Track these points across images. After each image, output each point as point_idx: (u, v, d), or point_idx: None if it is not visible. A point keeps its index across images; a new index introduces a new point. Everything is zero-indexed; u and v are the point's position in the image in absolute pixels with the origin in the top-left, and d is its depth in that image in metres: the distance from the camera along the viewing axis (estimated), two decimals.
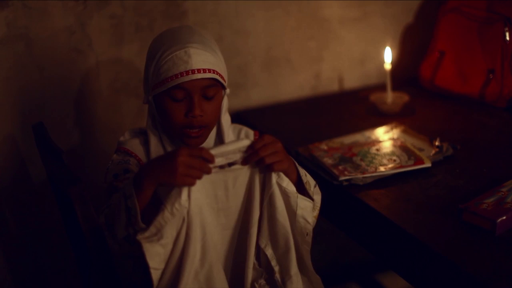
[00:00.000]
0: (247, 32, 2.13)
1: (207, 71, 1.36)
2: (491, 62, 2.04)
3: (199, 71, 1.35)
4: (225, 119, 1.46)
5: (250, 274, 1.27)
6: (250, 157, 1.22)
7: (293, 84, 2.25)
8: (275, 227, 1.27)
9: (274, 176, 1.25)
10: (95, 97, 1.96)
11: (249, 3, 2.11)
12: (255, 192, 1.26)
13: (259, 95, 2.20)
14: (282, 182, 1.26)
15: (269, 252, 1.29)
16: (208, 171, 1.17)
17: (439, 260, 1.29)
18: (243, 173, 1.24)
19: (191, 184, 1.15)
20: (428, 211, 1.44)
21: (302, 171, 1.36)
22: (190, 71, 1.35)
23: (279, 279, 1.30)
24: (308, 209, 1.30)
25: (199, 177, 1.16)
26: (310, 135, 1.88)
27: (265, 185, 1.26)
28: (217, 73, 1.38)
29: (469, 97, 2.08)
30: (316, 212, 1.38)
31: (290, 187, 1.27)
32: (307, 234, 1.32)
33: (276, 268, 1.29)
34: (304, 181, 1.34)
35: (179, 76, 1.34)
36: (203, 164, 1.16)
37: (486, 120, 1.95)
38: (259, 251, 1.30)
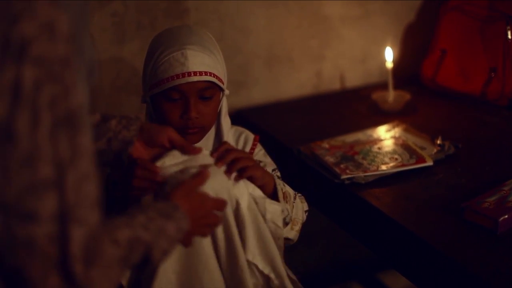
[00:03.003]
0: (248, 30, 2.13)
1: (203, 74, 1.34)
2: (493, 60, 2.03)
3: (195, 73, 1.34)
4: (225, 121, 1.45)
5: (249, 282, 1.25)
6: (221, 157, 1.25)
7: (294, 82, 2.25)
8: (260, 236, 1.25)
9: (242, 184, 1.24)
10: (96, 95, 1.96)
11: (250, 2, 2.10)
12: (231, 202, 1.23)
13: (261, 93, 2.20)
14: (248, 188, 1.25)
15: (259, 263, 1.26)
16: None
17: (440, 259, 1.29)
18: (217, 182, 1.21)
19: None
20: (430, 209, 1.44)
21: (280, 184, 1.35)
22: (186, 73, 1.33)
23: (278, 284, 1.28)
24: (277, 213, 1.28)
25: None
26: (311, 133, 1.87)
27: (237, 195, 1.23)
28: (215, 76, 1.36)
29: (471, 95, 2.08)
30: (298, 226, 1.36)
31: (257, 192, 1.26)
32: (278, 239, 1.29)
33: (272, 275, 1.27)
34: (283, 190, 1.34)
35: (175, 78, 1.33)
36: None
37: (488, 118, 1.95)
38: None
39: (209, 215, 1.12)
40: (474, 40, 2.09)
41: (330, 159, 1.65)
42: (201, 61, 1.35)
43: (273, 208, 1.27)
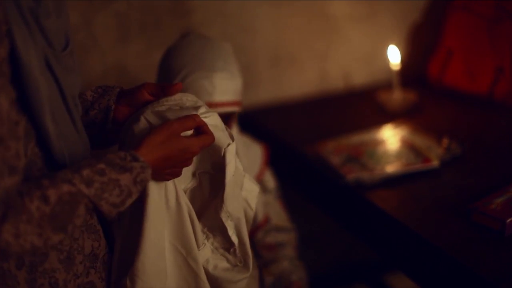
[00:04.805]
0: (253, 30, 2.12)
1: (229, 105, 1.41)
2: (500, 60, 2.02)
3: (221, 105, 1.40)
4: (234, 131, 1.47)
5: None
6: None
7: (299, 82, 2.24)
8: (237, 201, 1.16)
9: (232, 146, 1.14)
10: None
11: (255, 2, 2.10)
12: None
13: (265, 93, 2.19)
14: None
15: (229, 224, 1.16)
16: None
17: (447, 261, 1.28)
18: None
19: None
20: (436, 211, 1.43)
21: None
22: (213, 104, 1.38)
23: (239, 253, 1.18)
24: (253, 194, 1.21)
25: None
26: (316, 133, 1.86)
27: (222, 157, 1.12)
28: (237, 103, 1.42)
29: (477, 95, 2.06)
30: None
31: (239, 164, 1.17)
32: (247, 221, 1.21)
33: (236, 241, 1.17)
34: None
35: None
36: None
37: (495, 119, 1.93)
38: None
39: (187, 160, 1.07)
40: (481, 40, 2.07)
41: (335, 160, 1.64)
42: (227, 89, 1.41)
43: (250, 187, 1.20)
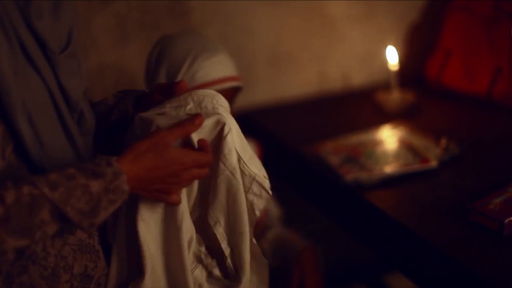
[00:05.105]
0: (251, 30, 2.12)
1: (238, 79, 1.53)
2: (498, 60, 2.02)
3: (232, 79, 1.51)
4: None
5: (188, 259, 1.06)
6: None
7: (298, 83, 2.24)
8: (232, 204, 1.07)
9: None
10: (100, 96, 1.94)
11: (253, 2, 2.10)
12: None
13: (264, 93, 2.19)
14: (243, 156, 1.08)
15: (219, 231, 1.09)
16: None
17: (445, 261, 1.28)
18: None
19: None
20: (435, 211, 1.43)
21: None
22: (228, 78, 1.50)
23: (231, 264, 1.11)
24: (261, 199, 1.13)
25: None
26: (315, 134, 1.86)
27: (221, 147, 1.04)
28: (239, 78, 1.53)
29: (476, 96, 2.06)
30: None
31: (252, 167, 1.09)
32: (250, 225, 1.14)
33: (227, 252, 1.11)
34: None
35: (222, 80, 1.48)
36: None
37: (494, 119, 1.93)
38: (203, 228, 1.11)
39: (177, 175, 0.96)
40: (479, 40, 2.07)
41: (333, 160, 1.64)
42: (232, 64, 1.52)
43: (259, 191, 1.11)
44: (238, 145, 1.06)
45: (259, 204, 1.12)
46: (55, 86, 0.95)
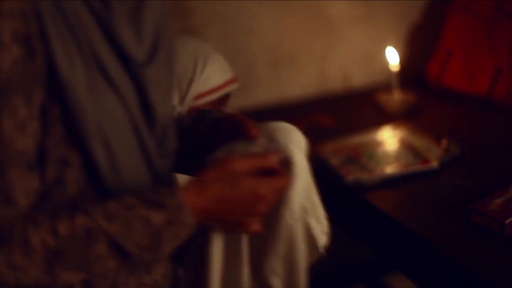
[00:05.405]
0: (252, 31, 2.12)
1: (236, 80, 1.52)
2: (499, 61, 2.02)
3: (234, 80, 1.51)
4: None
5: None
6: None
7: (299, 83, 2.24)
8: (292, 255, 0.99)
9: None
10: None
11: (254, 2, 2.10)
12: None
13: (264, 94, 2.19)
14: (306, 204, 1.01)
15: (276, 282, 1.01)
16: None
17: (446, 262, 1.28)
18: None
19: None
20: (436, 211, 1.43)
21: None
22: (234, 78, 1.50)
23: None
24: (321, 228, 1.08)
25: None
26: (315, 135, 1.86)
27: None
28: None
29: (476, 96, 2.07)
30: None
31: (311, 219, 1.02)
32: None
33: None
34: None
35: (230, 82, 1.48)
36: None
37: (494, 119, 1.93)
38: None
39: (256, 207, 0.85)
40: (480, 41, 2.08)
41: (334, 161, 1.64)
42: (229, 66, 1.53)
43: (323, 220, 1.03)
44: (303, 189, 0.99)
45: (320, 237, 1.06)
46: (135, 104, 0.84)
